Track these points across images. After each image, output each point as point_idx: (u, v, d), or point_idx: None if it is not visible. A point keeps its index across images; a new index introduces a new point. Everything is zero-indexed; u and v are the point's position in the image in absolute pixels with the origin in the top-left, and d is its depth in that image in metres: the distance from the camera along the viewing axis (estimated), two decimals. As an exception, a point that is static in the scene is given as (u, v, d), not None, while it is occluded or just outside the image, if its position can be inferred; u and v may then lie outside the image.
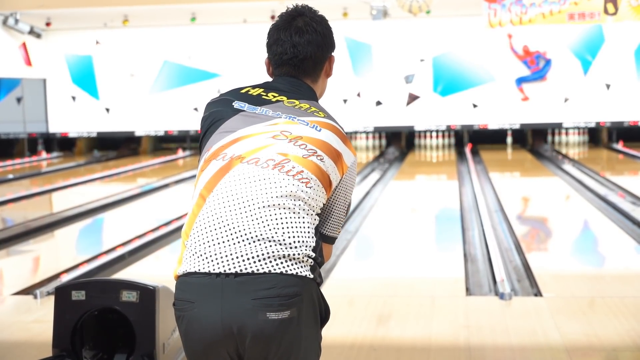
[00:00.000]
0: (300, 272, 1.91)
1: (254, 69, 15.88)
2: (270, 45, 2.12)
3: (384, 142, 16.58)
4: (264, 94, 2.08)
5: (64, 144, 17.30)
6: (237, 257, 1.89)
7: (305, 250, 1.93)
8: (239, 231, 1.91)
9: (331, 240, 2.11)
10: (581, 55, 15.37)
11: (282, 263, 1.90)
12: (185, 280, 1.95)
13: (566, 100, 15.48)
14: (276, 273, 1.88)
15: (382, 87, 15.88)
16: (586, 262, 6.45)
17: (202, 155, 2.06)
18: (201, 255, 1.92)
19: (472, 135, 16.45)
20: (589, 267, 6.27)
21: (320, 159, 1.98)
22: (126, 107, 16.70)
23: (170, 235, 7.53)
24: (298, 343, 1.92)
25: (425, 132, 16.29)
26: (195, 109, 16.39)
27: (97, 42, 16.65)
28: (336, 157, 2.01)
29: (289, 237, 1.91)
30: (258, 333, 1.87)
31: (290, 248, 1.90)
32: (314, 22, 2.10)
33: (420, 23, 15.57)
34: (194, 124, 16.45)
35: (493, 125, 15.75)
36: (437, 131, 16.23)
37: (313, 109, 2.06)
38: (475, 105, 15.73)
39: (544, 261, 6.28)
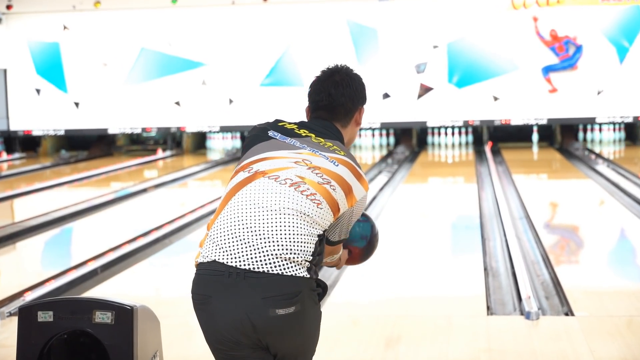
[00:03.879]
0: (298, 273, 2.54)
1: (242, 57, 15.92)
2: (310, 94, 2.84)
3: (392, 140, 16.60)
4: (297, 129, 2.75)
5: (27, 144, 17.31)
6: (248, 255, 2.53)
7: (305, 255, 2.55)
8: (253, 230, 2.55)
9: (336, 243, 2.79)
10: (617, 41, 15.40)
11: (286, 265, 2.53)
12: (203, 276, 2.58)
13: (600, 92, 15.51)
14: (279, 274, 2.51)
15: (389, 78, 15.91)
16: (623, 277, 6.46)
17: (235, 167, 2.74)
18: (218, 245, 2.57)
19: (492, 132, 16.48)
20: (626, 282, 6.28)
21: (333, 189, 2.61)
22: (98, 101, 16.72)
23: (149, 247, 7.54)
24: (302, 330, 2.60)
25: (439, 128, 16.32)
26: (177, 103, 16.42)
27: (64, 27, 16.68)
28: (347, 190, 2.64)
29: (292, 243, 2.54)
30: (270, 326, 2.52)
31: (292, 253, 2.53)
32: (349, 77, 2.81)
33: (433, 4, 15.61)
34: (175, 120, 16.47)
35: (517, 120, 15.78)
36: (452, 127, 16.26)
37: (335, 147, 2.70)
38: (496, 98, 15.76)
39: (575, 275, 6.29)
